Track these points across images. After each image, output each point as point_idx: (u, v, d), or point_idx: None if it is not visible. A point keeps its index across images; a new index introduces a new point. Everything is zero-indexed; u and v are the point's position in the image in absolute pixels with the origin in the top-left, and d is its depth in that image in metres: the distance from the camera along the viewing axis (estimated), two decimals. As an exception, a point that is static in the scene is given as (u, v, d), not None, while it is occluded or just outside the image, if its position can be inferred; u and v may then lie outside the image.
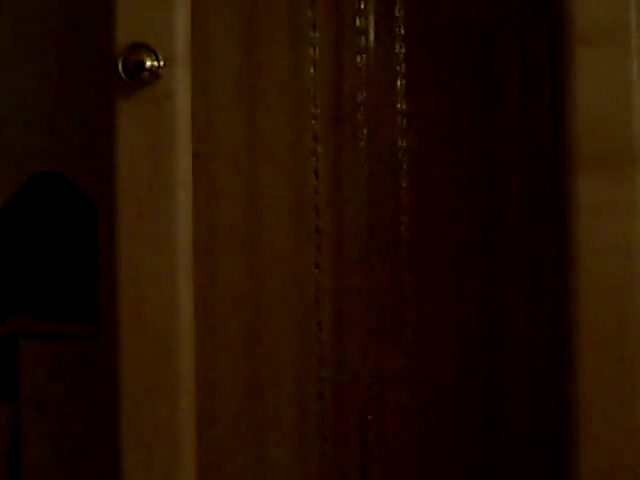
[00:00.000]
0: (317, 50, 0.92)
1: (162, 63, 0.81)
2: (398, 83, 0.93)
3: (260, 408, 0.94)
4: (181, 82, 0.81)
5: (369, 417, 0.93)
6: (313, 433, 0.93)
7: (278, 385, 0.94)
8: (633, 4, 0.79)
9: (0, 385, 1.08)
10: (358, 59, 0.93)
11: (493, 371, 0.95)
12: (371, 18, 0.93)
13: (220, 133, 0.93)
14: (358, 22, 0.93)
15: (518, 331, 0.94)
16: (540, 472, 0.93)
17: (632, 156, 0.79)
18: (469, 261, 0.94)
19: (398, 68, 0.93)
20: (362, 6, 0.92)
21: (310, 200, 0.92)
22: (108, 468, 0.84)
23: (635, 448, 0.79)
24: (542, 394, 0.92)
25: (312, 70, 0.92)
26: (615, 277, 0.79)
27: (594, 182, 0.79)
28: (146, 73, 0.80)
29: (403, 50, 0.92)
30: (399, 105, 0.93)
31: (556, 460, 0.88)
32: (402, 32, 0.92)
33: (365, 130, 0.93)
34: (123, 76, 0.80)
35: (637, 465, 0.79)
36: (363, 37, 0.93)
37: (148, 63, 0.80)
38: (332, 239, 0.94)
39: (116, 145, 0.81)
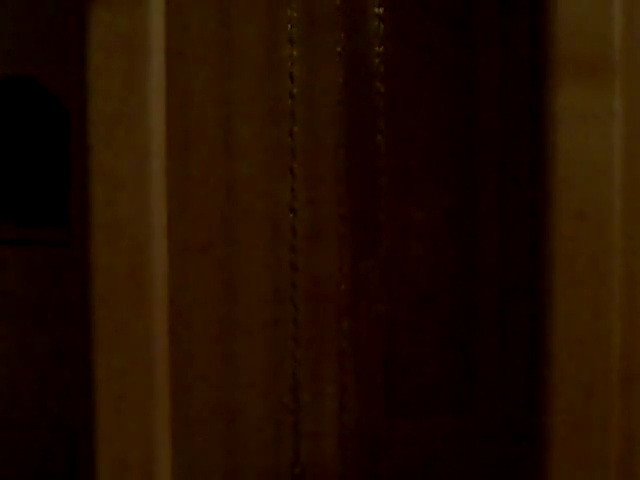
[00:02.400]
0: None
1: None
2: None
3: (234, 311, 0.94)
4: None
5: (343, 323, 0.93)
6: (287, 337, 0.93)
7: (252, 291, 0.94)
8: None
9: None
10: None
11: (466, 279, 0.95)
12: None
13: (194, 34, 0.91)
14: None
15: (491, 239, 0.94)
16: (512, 382, 0.94)
17: (611, 65, 0.79)
18: (445, 173, 0.94)
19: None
20: None
21: (285, 105, 0.91)
22: (79, 372, 0.84)
23: (606, 355, 0.80)
24: (515, 300, 0.93)
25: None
26: (593, 180, 0.79)
27: (574, 90, 0.79)
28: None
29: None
30: (376, 9, 0.91)
31: (528, 372, 0.89)
32: None
33: (342, 34, 0.91)
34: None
35: (607, 369, 0.80)
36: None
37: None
38: (307, 148, 0.93)
39: (89, 48, 0.79)
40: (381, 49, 0.91)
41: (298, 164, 0.91)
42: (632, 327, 0.81)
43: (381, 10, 0.90)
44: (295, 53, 0.90)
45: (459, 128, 0.94)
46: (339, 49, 0.91)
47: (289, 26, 0.89)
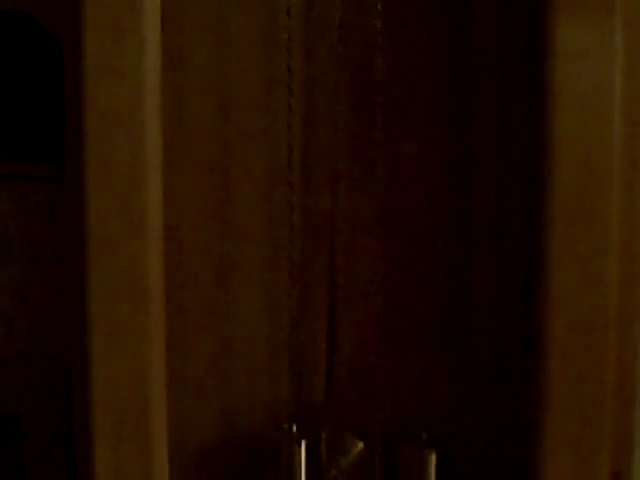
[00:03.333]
0: None
1: None
2: None
3: (230, 248, 0.93)
4: None
5: (338, 260, 0.92)
6: (282, 275, 0.93)
7: (248, 228, 0.93)
8: None
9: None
10: None
11: (463, 215, 0.94)
12: None
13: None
14: None
15: (489, 175, 0.93)
16: (508, 320, 0.94)
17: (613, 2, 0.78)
18: (443, 110, 0.93)
19: None
20: None
21: (281, 39, 0.90)
22: (74, 313, 0.84)
23: (604, 294, 0.80)
24: (512, 237, 0.93)
25: None
26: (592, 121, 0.78)
27: (574, 28, 0.78)
28: None
29: None
30: None
31: (524, 313, 0.89)
32: None
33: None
34: None
35: (604, 316, 0.80)
36: None
37: None
38: (304, 83, 0.92)
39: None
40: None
41: (295, 100, 0.90)
42: (630, 263, 0.81)
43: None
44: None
45: (458, 65, 0.93)
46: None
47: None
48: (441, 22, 0.92)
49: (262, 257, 0.94)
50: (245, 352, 0.94)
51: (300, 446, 0.91)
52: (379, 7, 0.89)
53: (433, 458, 0.91)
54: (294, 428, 0.92)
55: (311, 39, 0.91)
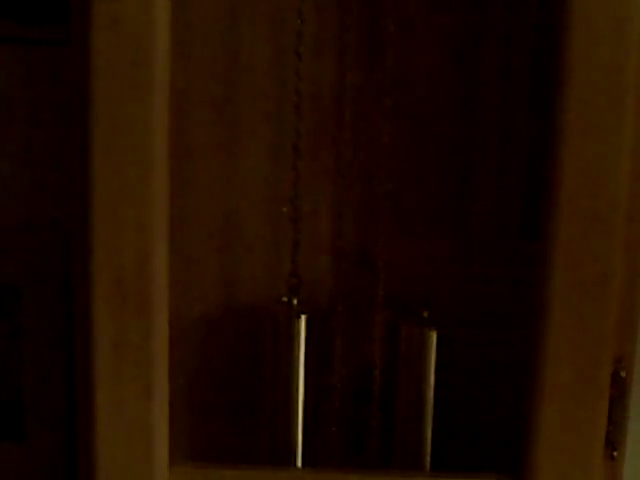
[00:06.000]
0: None
1: None
2: None
3: (234, 114, 0.92)
4: None
5: (345, 135, 0.91)
6: (287, 148, 0.91)
7: (255, 98, 0.92)
8: None
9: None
10: None
11: (468, 107, 0.93)
12: None
13: None
14: None
15: (494, 70, 0.92)
16: (509, 206, 0.93)
17: None
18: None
19: None
20: None
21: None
22: (77, 176, 0.83)
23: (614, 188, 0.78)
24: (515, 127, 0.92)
25: None
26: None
27: None
28: None
29: None
30: None
31: (526, 198, 0.88)
32: None
33: None
34: None
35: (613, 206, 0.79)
36: None
37: None
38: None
39: None
40: None
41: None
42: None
43: None
44: None
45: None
46: None
47: None
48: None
49: (268, 129, 0.92)
50: (248, 225, 0.94)
51: (299, 320, 0.90)
52: None
53: (434, 337, 0.91)
54: (294, 302, 0.91)
55: None
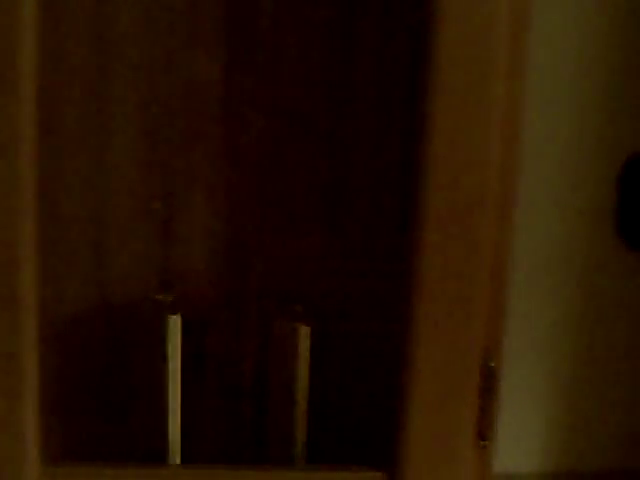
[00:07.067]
0: None
1: None
2: None
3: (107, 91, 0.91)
4: None
5: (218, 129, 0.91)
6: (160, 143, 0.91)
7: (125, 91, 0.91)
8: None
9: None
10: None
11: (342, 98, 0.93)
12: None
13: None
14: None
15: (368, 57, 0.92)
16: (383, 203, 0.94)
17: None
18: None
19: None
20: None
21: None
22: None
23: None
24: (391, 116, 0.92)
25: None
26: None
27: None
28: None
29: None
30: None
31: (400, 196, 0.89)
32: None
33: None
34: None
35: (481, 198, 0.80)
36: None
37: None
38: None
39: None
40: None
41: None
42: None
43: None
44: None
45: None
46: None
47: None
48: None
49: (141, 123, 0.91)
50: (119, 221, 0.92)
51: (173, 317, 0.90)
52: None
53: (307, 331, 0.91)
54: (168, 299, 0.91)
55: None
